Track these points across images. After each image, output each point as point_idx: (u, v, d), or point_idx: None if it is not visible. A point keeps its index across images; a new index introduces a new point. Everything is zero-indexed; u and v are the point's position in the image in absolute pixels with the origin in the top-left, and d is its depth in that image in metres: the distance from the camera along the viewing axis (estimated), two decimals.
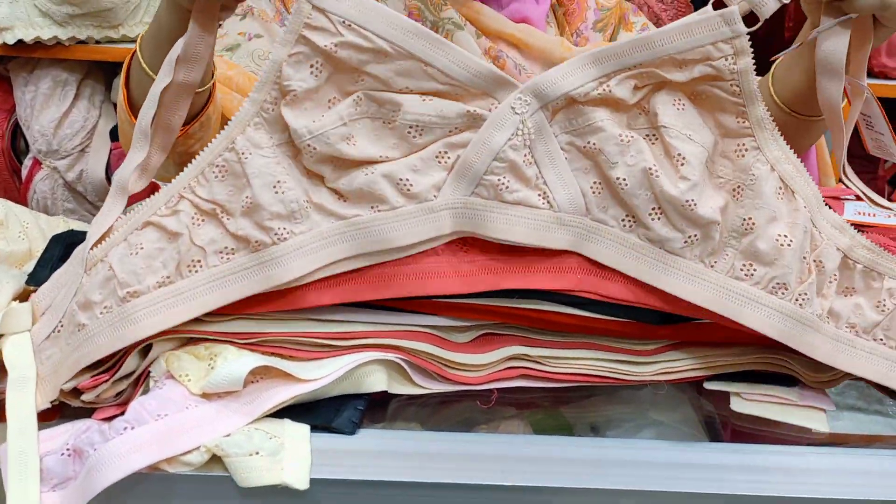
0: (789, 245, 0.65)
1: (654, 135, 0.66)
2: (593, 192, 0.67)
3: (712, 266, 0.67)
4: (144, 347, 0.65)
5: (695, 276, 0.66)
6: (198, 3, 0.69)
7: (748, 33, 0.64)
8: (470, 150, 0.65)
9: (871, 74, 1.56)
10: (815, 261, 0.68)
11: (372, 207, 0.65)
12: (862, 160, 1.66)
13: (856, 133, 1.71)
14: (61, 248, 0.74)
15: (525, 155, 0.65)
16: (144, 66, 0.79)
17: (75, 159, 1.57)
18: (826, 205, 0.70)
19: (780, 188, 0.67)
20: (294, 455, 0.60)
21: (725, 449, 0.66)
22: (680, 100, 0.66)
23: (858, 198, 0.78)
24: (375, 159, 0.65)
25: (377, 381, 0.66)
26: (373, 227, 0.65)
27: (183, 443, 0.59)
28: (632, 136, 0.65)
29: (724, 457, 0.64)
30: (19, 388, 0.63)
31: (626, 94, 0.65)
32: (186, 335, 0.66)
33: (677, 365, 0.71)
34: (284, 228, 0.64)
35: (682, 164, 0.65)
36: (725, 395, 0.71)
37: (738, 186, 0.67)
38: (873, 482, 0.63)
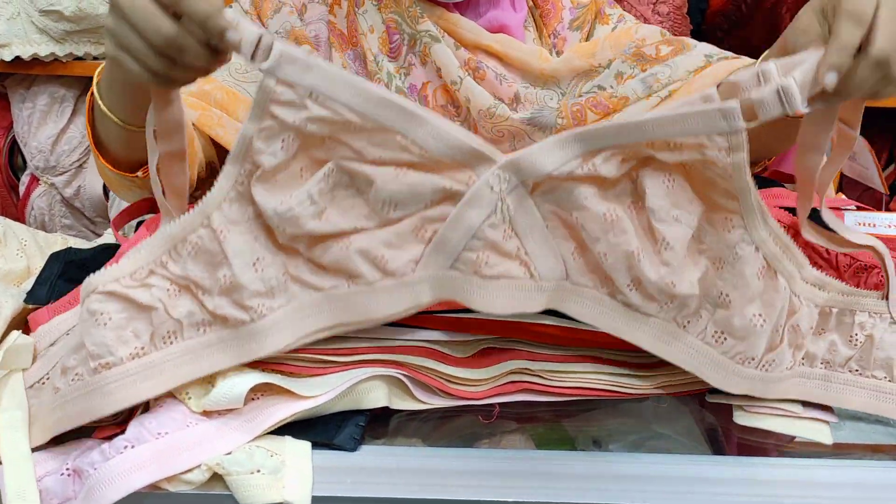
0: (762, 325, 0.64)
1: (640, 203, 0.63)
2: (573, 258, 0.64)
3: (684, 326, 0.65)
4: None
5: (667, 335, 0.66)
6: (153, 90, 0.63)
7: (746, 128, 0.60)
8: (447, 226, 0.62)
9: None
10: (791, 326, 0.67)
11: (349, 281, 0.63)
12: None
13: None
14: (59, 265, 0.74)
15: (505, 231, 0.62)
16: (103, 107, 0.73)
17: (73, 175, 1.57)
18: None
19: (763, 268, 0.64)
20: (295, 472, 0.59)
21: (728, 462, 0.66)
22: (670, 175, 0.62)
23: (860, 207, 0.78)
24: (349, 231, 0.62)
25: (378, 397, 0.66)
26: (351, 300, 0.63)
27: (183, 461, 0.59)
28: (616, 216, 0.62)
29: (726, 470, 0.64)
30: (13, 429, 0.61)
31: (612, 171, 0.62)
32: None
33: (679, 378, 0.70)
34: (263, 305, 0.62)
35: (666, 249, 0.62)
36: (728, 407, 0.71)
37: (720, 259, 0.64)
38: (877, 495, 0.63)
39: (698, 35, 1.57)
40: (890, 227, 0.75)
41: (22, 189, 1.60)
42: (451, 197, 0.62)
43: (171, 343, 0.62)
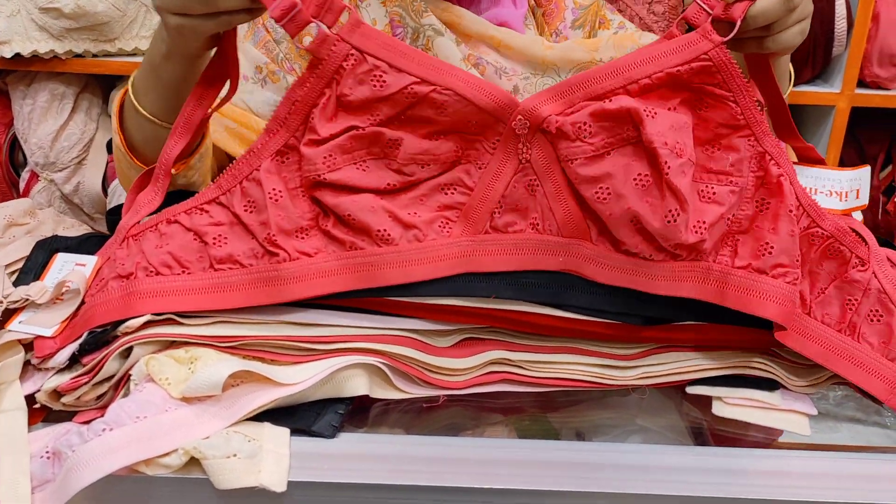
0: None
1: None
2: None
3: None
4: (125, 350, 0.65)
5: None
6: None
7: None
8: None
9: (862, 84, 1.55)
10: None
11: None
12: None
13: (847, 143, 1.68)
14: (45, 254, 0.74)
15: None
16: (144, 112, 0.81)
17: (72, 172, 1.58)
18: None
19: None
20: (272, 457, 0.59)
21: (707, 452, 0.66)
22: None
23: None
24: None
25: (358, 385, 0.66)
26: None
27: (161, 445, 0.59)
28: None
29: (706, 460, 0.64)
30: (14, 421, 0.62)
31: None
32: (167, 338, 0.66)
33: (659, 369, 0.71)
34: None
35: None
36: (711, 401, 0.70)
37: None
38: (857, 485, 0.63)
39: None
40: (833, 191, 0.76)
41: (22, 185, 1.61)
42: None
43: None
